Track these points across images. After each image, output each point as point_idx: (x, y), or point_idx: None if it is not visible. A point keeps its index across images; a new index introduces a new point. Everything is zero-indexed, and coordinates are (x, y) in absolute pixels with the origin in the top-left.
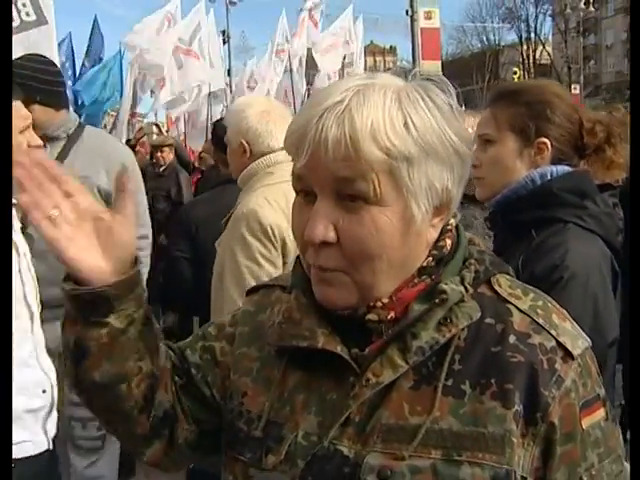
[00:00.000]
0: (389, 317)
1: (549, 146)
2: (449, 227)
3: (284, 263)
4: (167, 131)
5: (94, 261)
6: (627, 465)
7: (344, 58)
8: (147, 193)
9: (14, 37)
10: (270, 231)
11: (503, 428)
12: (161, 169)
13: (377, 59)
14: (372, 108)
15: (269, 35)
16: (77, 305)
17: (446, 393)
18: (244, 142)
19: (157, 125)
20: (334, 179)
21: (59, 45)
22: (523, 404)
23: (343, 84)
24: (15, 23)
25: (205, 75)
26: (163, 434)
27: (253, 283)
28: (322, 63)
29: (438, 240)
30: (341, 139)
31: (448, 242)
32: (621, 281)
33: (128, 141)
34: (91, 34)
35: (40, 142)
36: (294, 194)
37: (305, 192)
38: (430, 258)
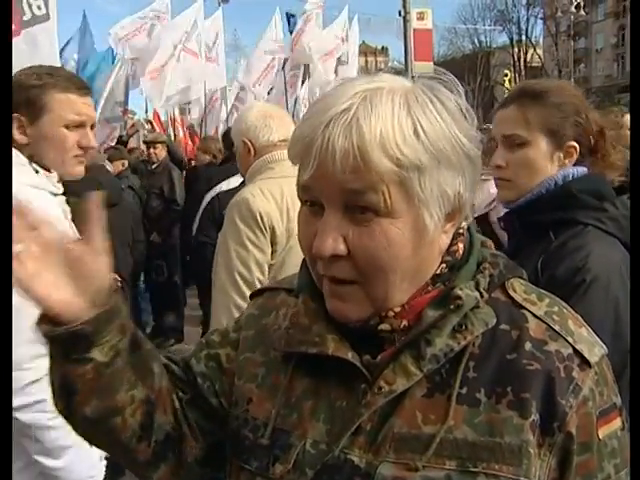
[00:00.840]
0: (402, 326)
1: (577, 149)
2: (461, 231)
3: (273, 251)
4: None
5: (66, 296)
6: None
7: (339, 57)
8: (139, 190)
9: (24, 31)
10: (259, 218)
11: (520, 438)
12: (154, 166)
13: (369, 59)
14: (380, 116)
15: (262, 34)
16: (56, 345)
17: (460, 402)
18: (246, 140)
19: (150, 121)
20: (342, 191)
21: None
22: (540, 413)
23: (348, 89)
24: (26, 17)
25: (203, 73)
26: (168, 457)
27: (240, 266)
28: (319, 69)
29: (450, 245)
30: (349, 150)
31: (460, 246)
32: None
33: (120, 137)
34: (83, 30)
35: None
36: (292, 189)
37: (311, 202)
38: (443, 265)
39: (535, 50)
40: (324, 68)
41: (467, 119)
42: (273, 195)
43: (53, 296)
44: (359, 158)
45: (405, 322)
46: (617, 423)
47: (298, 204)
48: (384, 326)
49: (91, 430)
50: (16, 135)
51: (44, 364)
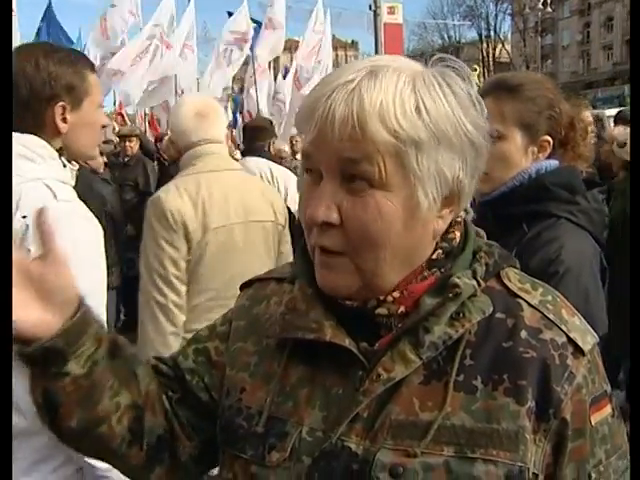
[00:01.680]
0: (399, 311)
1: (551, 143)
2: (459, 219)
3: (189, 247)
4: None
5: (34, 315)
6: None
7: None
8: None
9: None
10: (170, 215)
11: (517, 425)
12: (126, 159)
13: (339, 53)
14: (383, 89)
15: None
16: (31, 363)
17: (457, 389)
18: (172, 138)
19: (120, 114)
20: (339, 159)
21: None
22: (536, 400)
23: (356, 64)
24: None
25: (176, 67)
26: (162, 458)
27: (156, 265)
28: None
29: (447, 232)
30: (348, 118)
31: (457, 234)
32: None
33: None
34: (48, 22)
35: (107, 121)
36: (210, 183)
37: (311, 171)
38: (440, 251)
39: (504, 46)
40: (306, 66)
41: (476, 108)
42: (188, 191)
43: (22, 316)
44: (357, 127)
45: (403, 308)
46: (608, 410)
47: (216, 198)
48: (381, 310)
49: (79, 441)
50: (60, 124)
51: None
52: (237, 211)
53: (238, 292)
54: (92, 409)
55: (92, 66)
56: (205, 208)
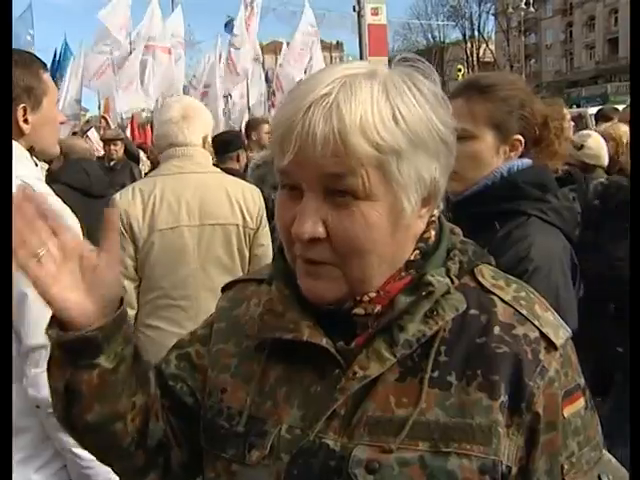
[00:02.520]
0: (375, 311)
1: (523, 142)
2: (433, 218)
3: (135, 247)
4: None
5: (78, 300)
6: (606, 453)
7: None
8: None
9: None
10: (119, 216)
11: (490, 419)
12: (112, 163)
13: (325, 55)
14: (360, 101)
15: (216, 29)
16: (63, 350)
17: (432, 385)
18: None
19: (104, 117)
20: (322, 175)
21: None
22: (508, 395)
23: (327, 74)
24: None
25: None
26: (158, 463)
27: (122, 242)
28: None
29: (423, 232)
30: (329, 135)
31: (432, 233)
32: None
33: (74, 134)
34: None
35: (63, 118)
36: (163, 186)
37: (290, 187)
38: (417, 251)
39: (487, 45)
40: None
41: (443, 106)
42: (142, 192)
43: (68, 299)
44: (339, 142)
45: (379, 307)
46: (581, 403)
47: (167, 200)
48: (358, 310)
49: (90, 435)
50: (23, 125)
51: None
52: (190, 214)
53: (189, 292)
54: (112, 405)
55: (45, 65)
56: (154, 210)
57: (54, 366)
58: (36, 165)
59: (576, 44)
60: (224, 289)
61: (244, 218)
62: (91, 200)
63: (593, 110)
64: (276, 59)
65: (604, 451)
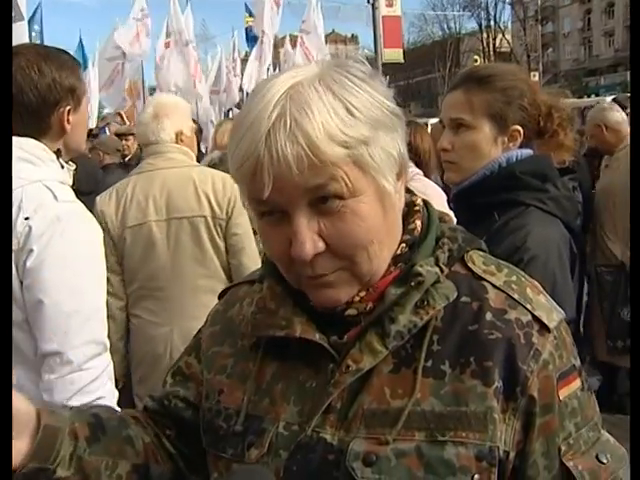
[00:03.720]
0: (367, 308)
1: (522, 133)
2: (417, 208)
3: (113, 244)
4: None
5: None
6: (604, 433)
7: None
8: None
9: None
10: (96, 216)
11: (484, 405)
12: (126, 159)
13: (339, 47)
14: (315, 110)
15: (230, 23)
16: None
17: (426, 374)
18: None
19: (119, 114)
20: (305, 190)
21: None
22: (502, 380)
23: (268, 94)
24: None
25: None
26: None
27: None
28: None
29: (408, 223)
30: (301, 153)
31: (418, 223)
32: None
33: (90, 130)
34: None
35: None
36: (135, 183)
37: (269, 213)
38: (403, 245)
39: (504, 35)
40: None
41: (377, 81)
42: (117, 192)
43: None
44: (312, 156)
45: (370, 304)
46: (577, 384)
47: (136, 198)
48: (351, 311)
49: None
50: (66, 126)
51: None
52: (158, 209)
53: (161, 284)
54: None
55: (79, 64)
56: (125, 208)
57: None
58: (62, 167)
59: (595, 32)
60: (220, 297)
61: (212, 209)
62: (79, 197)
63: (611, 99)
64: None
65: (602, 431)
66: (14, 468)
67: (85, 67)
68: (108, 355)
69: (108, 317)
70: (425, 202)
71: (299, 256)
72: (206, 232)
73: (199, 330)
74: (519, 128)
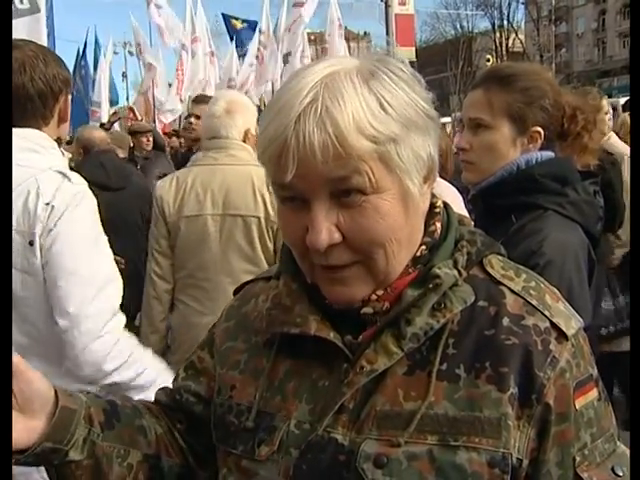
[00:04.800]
0: (384, 308)
1: (542, 135)
2: (437, 210)
3: (168, 230)
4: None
5: (21, 427)
6: (620, 444)
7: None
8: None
9: None
10: (155, 201)
11: (499, 412)
12: (145, 154)
13: (351, 45)
14: (347, 100)
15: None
16: (33, 464)
17: (441, 378)
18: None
19: (131, 109)
20: (327, 181)
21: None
22: (518, 386)
23: (304, 80)
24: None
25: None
26: None
27: (150, 239)
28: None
29: (428, 225)
30: (327, 141)
31: (438, 225)
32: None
33: (102, 125)
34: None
35: None
36: (195, 174)
37: (291, 199)
38: (423, 247)
39: (517, 35)
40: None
41: (417, 82)
42: (177, 181)
43: (14, 433)
44: (338, 146)
45: (387, 304)
46: (593, 394)
47: (195, 190)
48: (367, 309)
49: None
50: (66, 116)
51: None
52: (215, 203)
53: (210, 275)
54: None
55: None
56: (184, 198)
57: (46, 471)
58: (62, 155)
59: (609, 32)
60: (235, 293)
61: (267, 211)
62: (110, 193)
63: (625, 101)
64: (316, 50)
65: (619, 443)
66: (28, 446)
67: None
68: (121, 316)
69: (155, 298)
70: (445, 204)
71: (314, 245)
72: (257, 232)
73: (213, 325)
74: (539, 129)
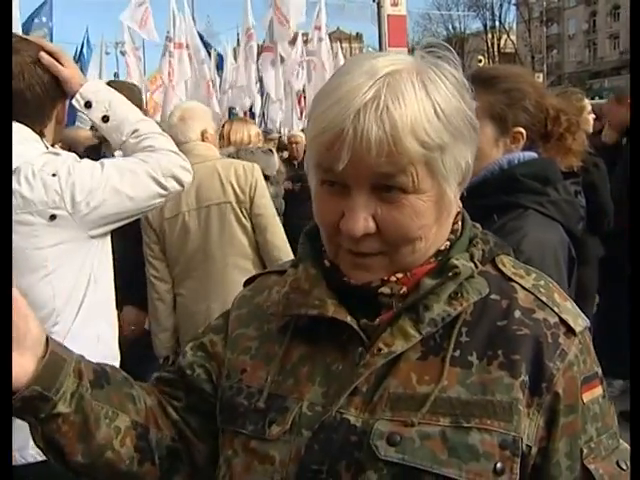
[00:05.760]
0: (401, 291)
1: (524, 135)
2: (458, 209)
3: (156, 236)
4: None
5: (13, 363)
6: (622, 442)
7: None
8: None
9: None
10: None
11: (510, 396)
12: None
13: (344, 46)
14: (407, 103)
15: (235, 20)
16: (20, 413)
17: (454, 364)
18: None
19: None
20: (373, 174)
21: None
22: (529, 375)
23: (366, 73)
24: None
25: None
26: (178, 468)
27: (145, 248)
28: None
29: (453, 223)
30: (383, 139)
31: (459, 224)
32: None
33: (92, 127)
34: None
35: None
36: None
37: (331, 183)
38: (447, 242)
39: (509, 36)
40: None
41: (466, 91)
42: None
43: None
44: (392, 145)
45: (405, 289)
46: (599, 390)
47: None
48: (385, 289)
49: (90, 471)
50: (63, 121)
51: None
52: (189, 200)
53: (198, 265)
54: (91, 440)
55: None
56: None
57: (30, 428)
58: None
59: (600, 34)
60: (246, 283)
61: (236, 195)
62: None
63: None
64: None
65: (621, 440)
66: (17, 387)
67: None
68: None
69: (158, 299)
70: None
71: (349, 231)
72: (233, 215)
73: (227, 311)
74: (522, 130)
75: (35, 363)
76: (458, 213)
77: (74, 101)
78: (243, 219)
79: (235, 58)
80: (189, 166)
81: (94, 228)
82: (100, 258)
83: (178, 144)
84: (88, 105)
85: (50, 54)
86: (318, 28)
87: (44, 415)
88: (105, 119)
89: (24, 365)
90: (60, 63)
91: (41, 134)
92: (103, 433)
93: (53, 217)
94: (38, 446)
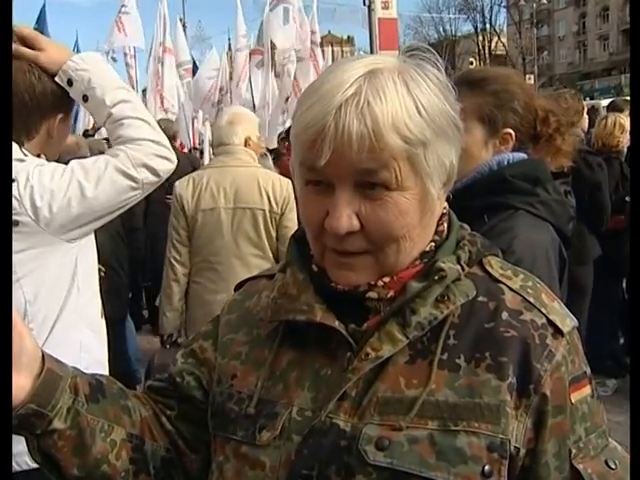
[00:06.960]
0: (388, 295)
1: (513, 136)
2: (444, 211)
3: (186, 222)
4: None
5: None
6: (612, 441)
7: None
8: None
9: None
10: (174, 197)
11: (498, 399)
12: None
13: (335, 49)
14: (389, 98)
15: (226, 24)
16: (17, 429)
17: (441, 367)
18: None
19: None
20: (356, 171)
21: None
22: (517, 377)
23: (348, 72)
24: None
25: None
26: (172, 476)
27: (170, 230)
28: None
29: (437, 225)
30: (364, 133)
31: (445, 225)
32: (567, 268)
33: (86, 132)
34: (38, 21)
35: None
36: (209, 175)
37: (316, 182)
38: (432, 243)
39: (499, 38)
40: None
41: (450, 92)
42: (195, 180)
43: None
44: (374, 140)
45: (391, 292)
46: (587, 390)
47: (210, 188)
48: (372, 294)
49: None
50: (54, 134)
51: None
52: (227, 198)
53: (222, 259)
54: (87, 455)
55: None
56: (200, 194)
57: (26, 441)
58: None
59: (589, 35)
60: (236, 288)
61: (270, 204)
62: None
63: (606, 102)
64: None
65: (610, 439)
66: (13, 406)
67: None
68: None
69: (174, 280)
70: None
71: (333, 228)
72: (263, 222)
73: (217, 317)
74: (511, 131)
75: (31, 381)
76: (444, 214)
77: (57, 79)
78: (271, 227)
79: (230, 62)
80: (170, 154)
81: (66, 232)
82: (82, 262)
83: (222, 144)
84: (70, 83)
85: (23, 40)
86: (312, 32)
87: (40, 431)
88: (85, 98)
89: (20, 383)
90: (37, 48)
91: (20, 143)
92: (99, 447)
93: (16, 223)
94: (35, 460)
